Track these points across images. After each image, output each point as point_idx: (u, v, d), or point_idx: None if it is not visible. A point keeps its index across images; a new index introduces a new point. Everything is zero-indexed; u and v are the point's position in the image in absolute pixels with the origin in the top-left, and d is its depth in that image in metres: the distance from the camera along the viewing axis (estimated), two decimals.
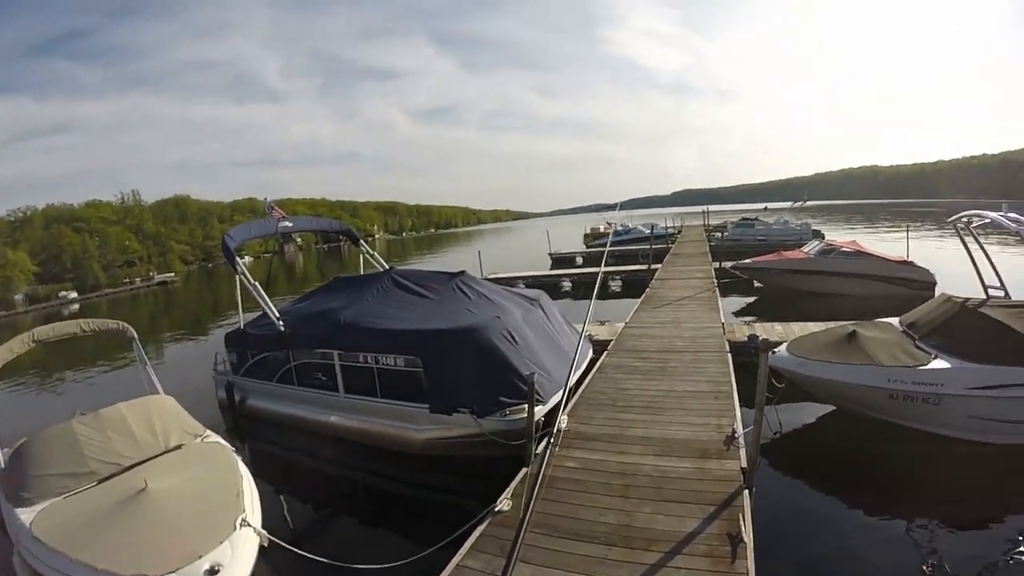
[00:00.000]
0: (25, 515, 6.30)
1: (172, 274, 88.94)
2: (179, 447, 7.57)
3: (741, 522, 5.29)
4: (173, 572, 4.82)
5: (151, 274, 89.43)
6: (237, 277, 11.83)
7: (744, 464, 6.39)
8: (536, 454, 6.90)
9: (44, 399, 18.68)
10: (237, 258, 11.93)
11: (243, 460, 7.56)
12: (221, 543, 5.19)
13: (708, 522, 5.45)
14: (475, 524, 5.82)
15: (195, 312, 44.33)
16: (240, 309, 12.25)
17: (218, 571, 4.88)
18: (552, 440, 7.23)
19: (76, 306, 66.30)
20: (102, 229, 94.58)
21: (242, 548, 5.24)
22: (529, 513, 5.51)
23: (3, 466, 7.69)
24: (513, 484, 6.55)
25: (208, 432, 8.23)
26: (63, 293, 75.96)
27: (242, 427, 11.81)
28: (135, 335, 10.29)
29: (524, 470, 6.77)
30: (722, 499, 5.82)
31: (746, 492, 5.86)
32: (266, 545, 5.63)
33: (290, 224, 13.44)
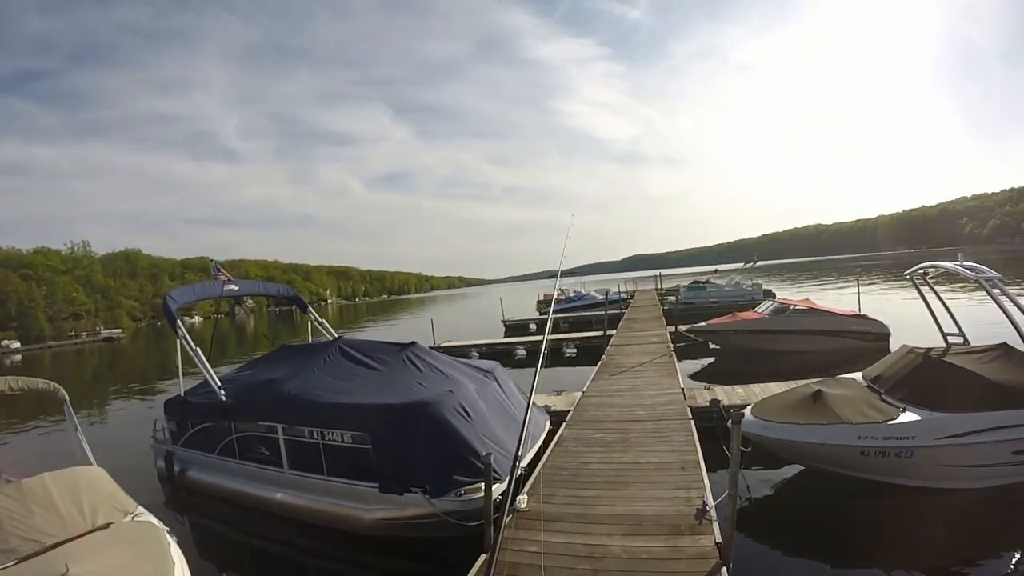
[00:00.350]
0: None
1: (119, 330, 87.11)
2: (107, 526, 6.90)
3: None
4: None
5: (98, 329, 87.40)
6: (178, 341, 11.24)
7: (719, 539, 6.03)
8: (496, 538, 6.43)
9: None
10: (178, 321, 11.39)
11: (181, 537, 7.06)
12: None
13: None
14: None
15: (141, 371, 42.55)
16: (180, 374, 11.67)
17: None
18: (510, 522, 6.80)
19: (18, 356, 64.05)
20: (50, 278, 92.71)
21: None
22: None
23: None
24: (472, 572, 6.06)
25: (140, 509, 7.56)
26: (6, 342, 73.81)
27: (181, 500, 11.08)
28: (67, 398, 9.60)
29: (483, 556, 6.28)
30: None
31: (724, 569, 5.52)
32: None
33: (236, 287, 13.05)
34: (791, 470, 9.24)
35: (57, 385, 9.73)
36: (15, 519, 6.50)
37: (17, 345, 73.02)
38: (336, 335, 13.18)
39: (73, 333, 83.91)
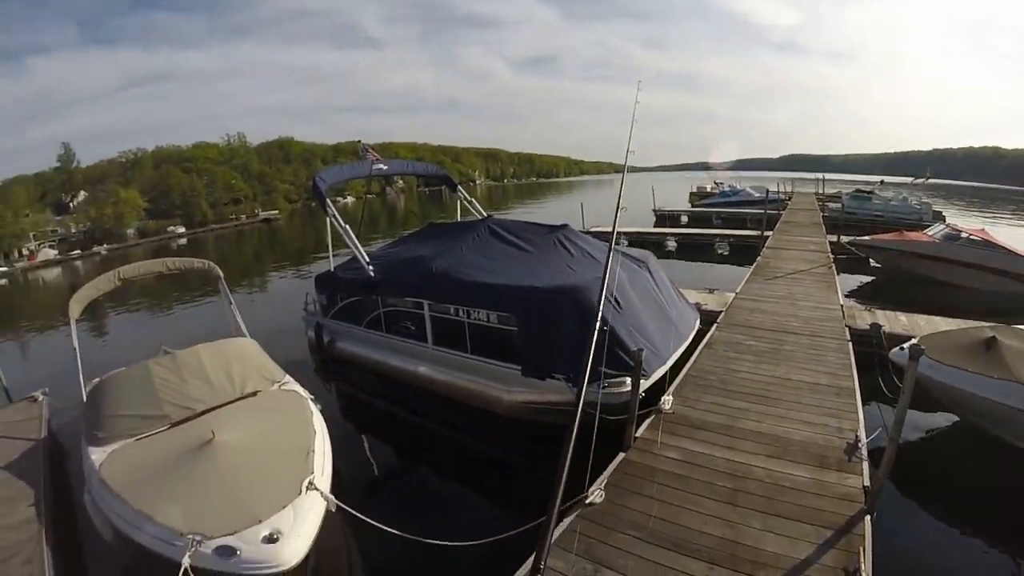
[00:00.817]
0: (96, 455, 6.30)
1: (276, 212, 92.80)
2: (254, 394, 7.37)
3: (861, 556, 4.46)
4: (230, 535, 4.55)
5: (256, 211, 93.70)
6: (328, 219, 11.60)
7: (867, 482, 5.47)
8: (636, 438, 6.25)
9: (133, 333, 19.54)
10: (328, 200, 11.68)
11: (326, 404, 7.36)
12: (284, 507, 4.84)
13: (823, 550, 4.62)
14: (561, 513, 5.10)
15: (297, 249, 45.31)
16: (331, 251, 12.14)
17: (277, 539, 4.52)
18: (652, 423, 6.56)
19: (184, 240, 70.32)
20: (209, 169, 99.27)
21: (306, 515, 4.85)
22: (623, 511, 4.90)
23: (84, 401, 7.80)
24: (608, 472, 5.86)
25: (288, 379, 7.99)
26: (172, 228, 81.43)
27: (329, 369, 11.87)
28: (221, 275, 10.32)
29: (621, 455, 6.10)
30: (841, 523, 4.95)
31: (867, 518, 4.98)
32: (333, 511, 5.21)
33: (384, 167, 13.14)
34: (947, 418, 8.20)
35: (212, 263, 10.44)
36: (169, 387, 7.07)
37: (182, 230, 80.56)
38: (485, 215, 13.04)
39: (233, 216, 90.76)
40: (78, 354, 8.89)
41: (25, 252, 71.83)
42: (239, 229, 78.71)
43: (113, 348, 17.51)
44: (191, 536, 4.53)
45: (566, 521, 5.13)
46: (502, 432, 8.41)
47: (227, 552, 4.46)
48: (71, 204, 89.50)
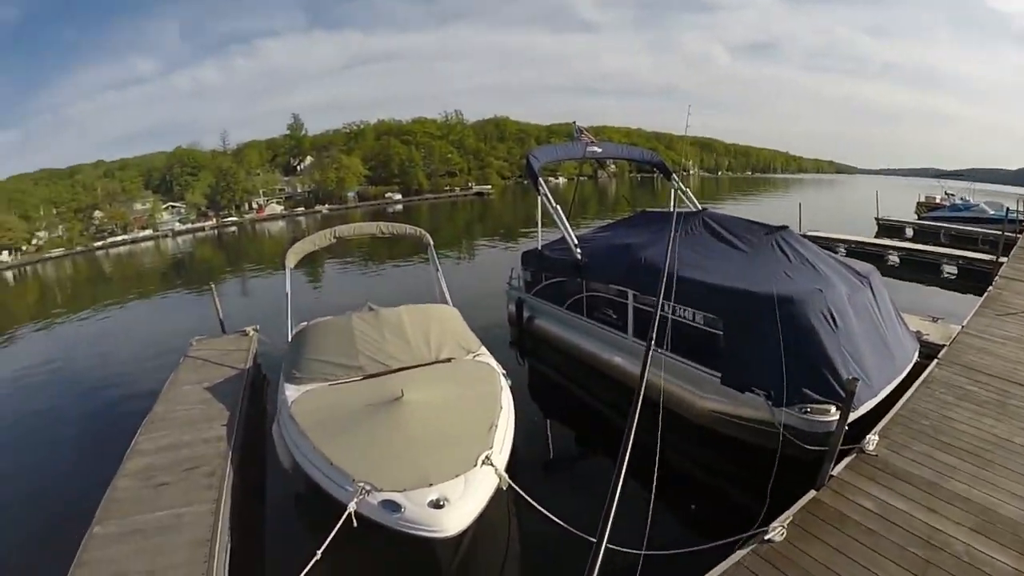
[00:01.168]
0: (290, 392, 6.96)
1: (489, 187, 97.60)
2: (448, 360, 7.64)
3: None
4: (398, 492, 4.71)
5: (470, 185, 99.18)
6: (539, 198, 11.83)
7: None
8: (831, 476, 5.68)
9: (343, 287, 21.72)
10: (540, 179, 11.84)
11: (516, 378, 7.45)
12: (456, 477, 4.89)
13: None
14: (734, 543, 4.84)
15: (506, 224, 47.01)
16: (540, 229, 12.38)
17: (443, 505, 4.54)
18: (851, 462, 5.96)
19: (399, 207, 76.17)
20: (427, 142, 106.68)
21: (475, 487, 4.86)
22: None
23: (288, 342, 8.74)
24: (794, 509, 5.35)
25: (483, 350, 8.20)
26: (389, 194, 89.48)
27: (524, 344, 12.25)
28: (431, 242, 10.95)
29: (812, 494, 5.56)
30: None
31: None
32: (504, 488, 5.18)
33: (599, 149, 13.11)
34: None
35: (423, 231, 11.11)
36: (368, 341, 7.56)
37: (398, 197, 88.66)
38: (699, 206, 12.53)
39: (448, 188, 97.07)
40: (288, 299, 10.06)
41: (255, 206, 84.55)
42: (452, 201, 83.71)
43: (322, 298, 19.71)
44: (362, 484, 4.80)
45: (739, 553, 4.78)
46: (687, 439, 7.87)
47: (392, 507, 4.60)
48: (298, 167, 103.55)
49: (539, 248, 12.21)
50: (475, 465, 5.10)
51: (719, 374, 7.53)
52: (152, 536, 5.57)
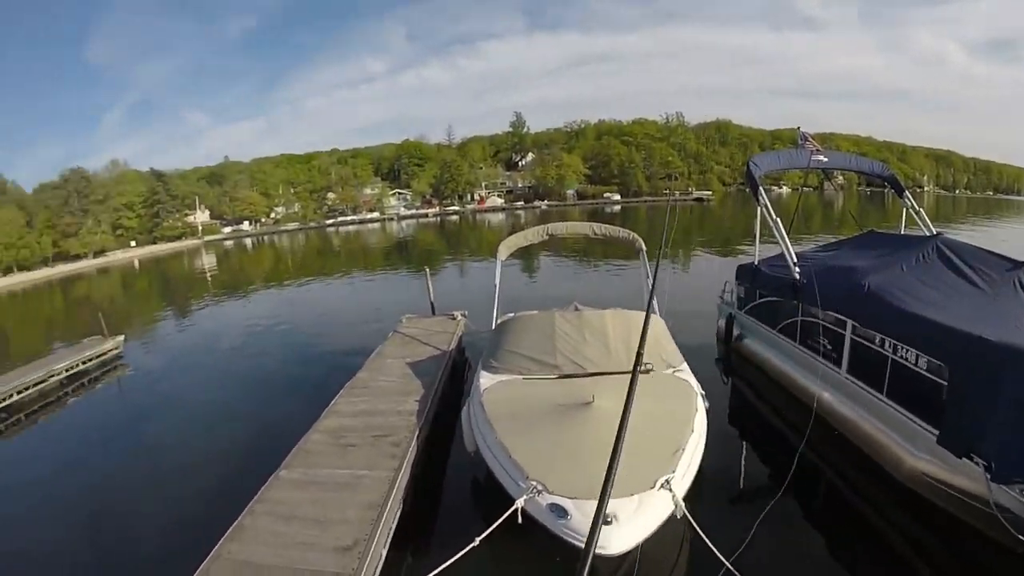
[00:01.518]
0: (485, 380, 7.16)
1: (709, 192, 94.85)
2: (647, 372, 7.03)
3: None
4: (568, 498, 4.56)
5: (689, 189, 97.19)
6: (759, 208, 10.91)
7: None
8: None
9: (552, 283, 21.98)
10: (761, 188, 10.93)
11: (717, 398, 7.09)
12: (630, 495, 4.55)
13: None
14: None
15: (724, 233, 45.37)
16: (757, 242, 11.64)
17: (610, 522, 4.22)
18: None
19: (617, 207, 76.18)
20: (647, 144, 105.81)
21: (647, 510, 4.52)
22: None
23: (492, 330, 8.92)
24: None
25: (684, 366, 7.70)
26: (607, 194, 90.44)
27: (731, 363, 11.53)
28: (643, 248, 10.73)
29: None
30: None
31: None
32: (678, 517, 4.71)
33: (824, 159, 11.84)
34: None
35: (636, 235, 10.91)
36: (568, 341, 7.43)
37: (617, 198, 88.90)
38: (934, 230, 10.82)
39: (667, 191, 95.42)
40: (497, 290, 10.42)
41: (476, 197, 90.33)
42: (671, 205, 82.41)
43: (531, 291, 20.12)
44: (534, 483, 4.76)
45: None
46: (888, 499, 6.66)
47: (559, 511, 4.49)
48: (519, 163, 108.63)
49: (755, 263, 11.31)
50: (652, 487, 4.76)
51: (937, 432, 6.19)
52: (330, 490, 6.07)
